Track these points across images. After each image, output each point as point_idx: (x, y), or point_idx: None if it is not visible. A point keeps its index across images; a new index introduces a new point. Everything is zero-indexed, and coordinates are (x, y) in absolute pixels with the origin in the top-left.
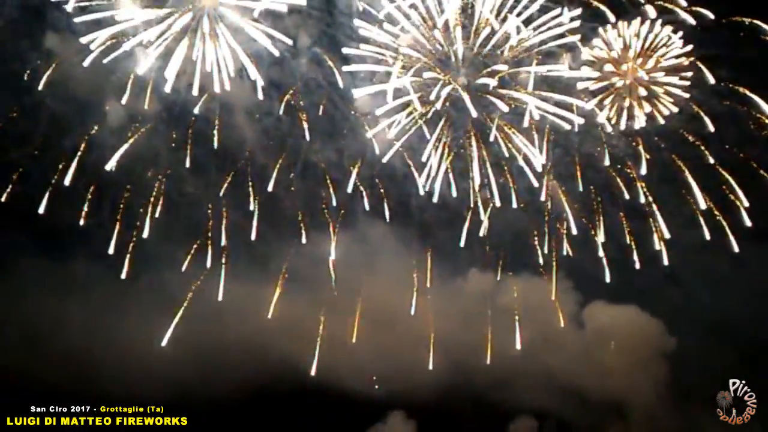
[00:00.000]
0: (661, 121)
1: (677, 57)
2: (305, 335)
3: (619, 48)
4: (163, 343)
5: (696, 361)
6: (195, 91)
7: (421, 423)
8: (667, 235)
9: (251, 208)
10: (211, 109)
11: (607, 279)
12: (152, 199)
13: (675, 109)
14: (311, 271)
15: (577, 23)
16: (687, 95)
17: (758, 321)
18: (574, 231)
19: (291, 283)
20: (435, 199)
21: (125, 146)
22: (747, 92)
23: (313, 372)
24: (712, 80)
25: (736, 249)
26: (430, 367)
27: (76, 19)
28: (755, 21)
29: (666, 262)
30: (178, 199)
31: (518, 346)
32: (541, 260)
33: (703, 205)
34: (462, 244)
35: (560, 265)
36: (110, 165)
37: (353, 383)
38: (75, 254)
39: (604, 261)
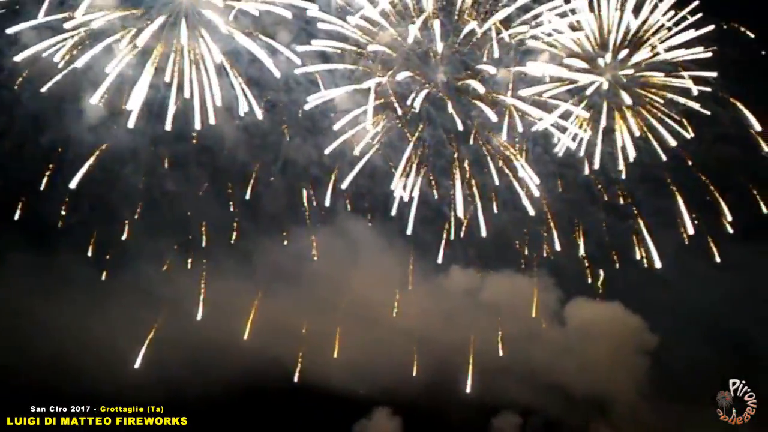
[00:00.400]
0: (663, 157)
1: (687, 47)
2: (289, 334)
3: (593, 32)
4: (137, 365)
5: (678, 358)
6: (168, 126)
7: (406, 419)
8: (656, 258)
9: (231, 209)
10: (190, 105)
11: (589, 280)
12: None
13: (687, 135)
14: (293, 270)
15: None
16: (707, 112)
17: (742, 319)
18: (555, 237)
19: (274, 283)
20: (413, 208)
21: (88, 163)
22: (725, 96)
23: (296, 378)
24: (695, 91)
25: (718, 259)
26: (414, 373)
27: (9, 30)
28: (734, 24)
29: (646, 265)
30: (159, 198)
31: (500, 353)
32: (522, 262)
33: (691, 230)
34: (442, 247)
35: (542, 262)
36: (74, 183)
37: (338, 380)
38: (62, 249)
39: (586, 263)
